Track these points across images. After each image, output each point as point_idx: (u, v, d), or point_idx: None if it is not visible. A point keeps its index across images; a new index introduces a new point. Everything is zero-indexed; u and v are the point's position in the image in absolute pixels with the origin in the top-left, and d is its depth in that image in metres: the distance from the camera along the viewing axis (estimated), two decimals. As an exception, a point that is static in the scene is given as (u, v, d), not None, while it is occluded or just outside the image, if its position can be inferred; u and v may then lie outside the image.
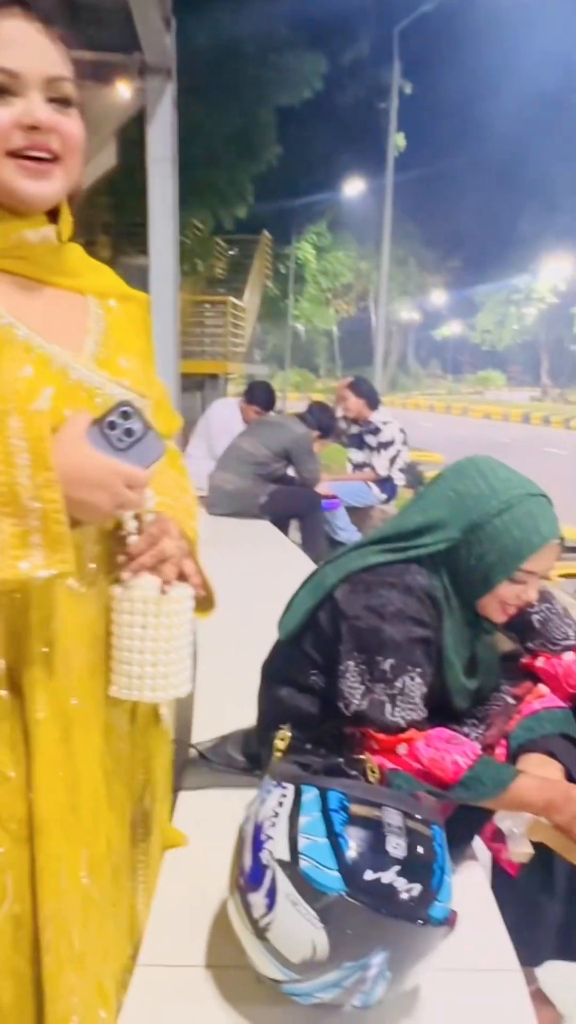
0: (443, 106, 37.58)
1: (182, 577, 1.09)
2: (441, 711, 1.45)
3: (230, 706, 1.81)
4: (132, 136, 6.11)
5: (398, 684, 1.35)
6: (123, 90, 5.72)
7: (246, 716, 1.70)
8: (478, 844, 1.48)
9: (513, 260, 42.63)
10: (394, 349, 41.41)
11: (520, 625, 1.61)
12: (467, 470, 1.45)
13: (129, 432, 0.96)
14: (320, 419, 5.13)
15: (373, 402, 5.32)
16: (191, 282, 13.15)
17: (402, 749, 1.35)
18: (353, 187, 23.60)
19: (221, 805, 1.54)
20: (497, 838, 1.43)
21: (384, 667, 1.35)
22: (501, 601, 1.41)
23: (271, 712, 1.63)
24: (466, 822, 1.38)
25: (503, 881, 1.47)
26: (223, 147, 11.97)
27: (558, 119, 36.59)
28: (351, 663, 1.39)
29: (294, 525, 5.03)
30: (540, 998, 1.59)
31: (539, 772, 1.40)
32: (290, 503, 4.83)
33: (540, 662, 1.63)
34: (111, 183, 7.82)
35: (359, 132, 20.07)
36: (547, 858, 1.43)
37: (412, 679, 1.36)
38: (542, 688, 1.59)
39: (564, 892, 1.52)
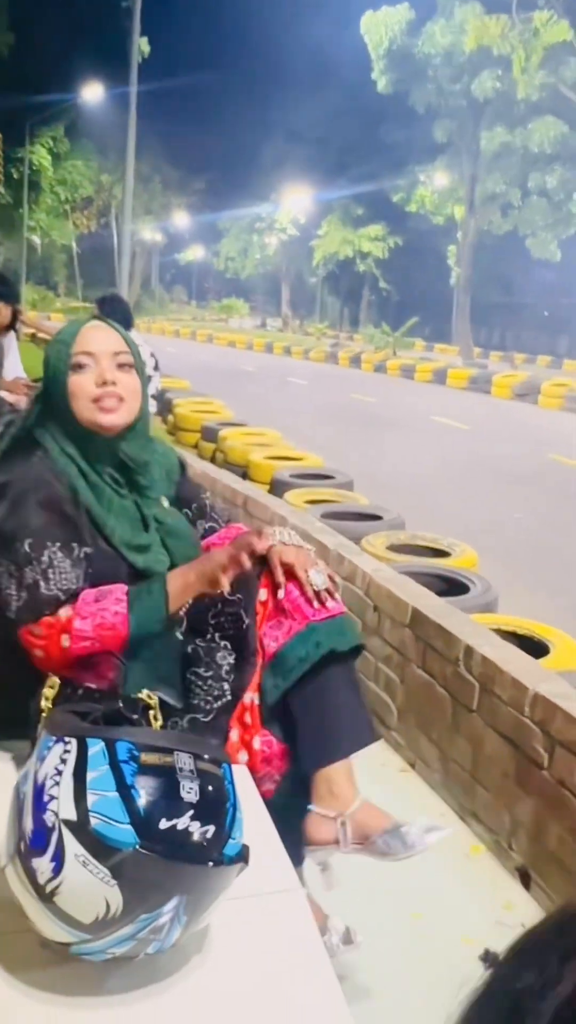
0: (191, 14, 36.14)
1: None
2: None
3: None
4: None
5: (44, 559, 1.36)
6: None
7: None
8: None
9: (256, 188, 42.75)
10: (137, 270, 40.16)
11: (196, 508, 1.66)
12: None
13: None
14: None
15: (125, 325, 5.10)
16: None
17: (66, 641, 1.34)
18: (92, 92, 22.15)
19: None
20: None
21: (25, 549, 1.36)
22: (82, 396, 1.43)
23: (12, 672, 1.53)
24: None
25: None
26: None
27: (308, 42, 36.59)
28: None
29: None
30: (308, 901, 1.69)
31: None
32: None
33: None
34: None
35: (99, 32, 18.80)
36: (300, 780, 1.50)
37: (55, 553, 1.37)
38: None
39: None
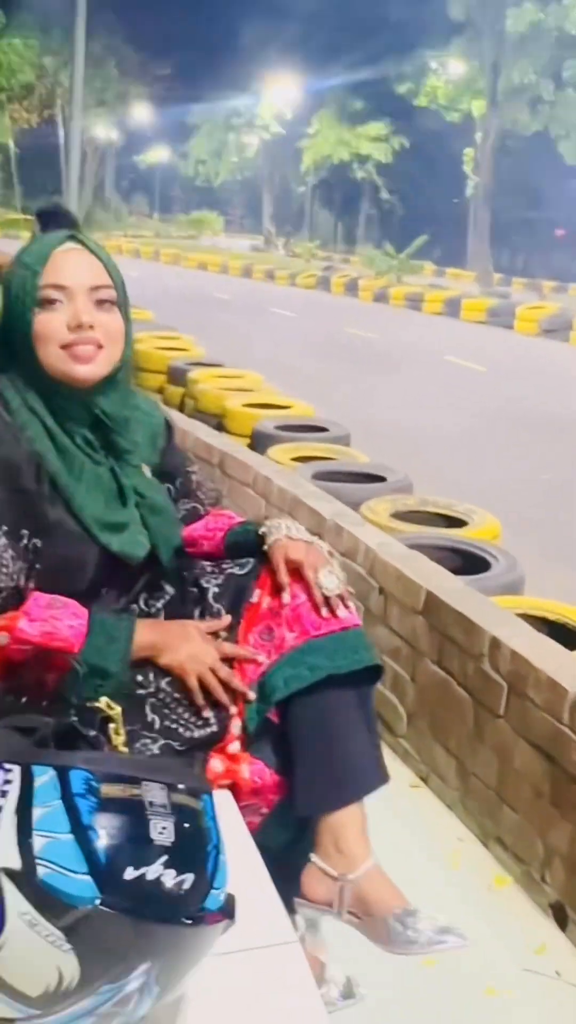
0: None
1: None
2: (112, 575, 1.45)
3: None
4: None
5: None
6: None
7: None
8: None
9: (233, 75, 42.03)
10: (89, 175, 39.53)
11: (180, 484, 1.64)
12: None
13: None
14: None
15: None
16: None
17: (2, 639, 1.31)
18: (33, -48, 21.56)
19: None
20: None
21: None
22: (51, 340, 1.36)
23: None
24: None
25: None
26: None
27: None
28: None
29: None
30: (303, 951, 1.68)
31: None
32: None
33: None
34: None
35: None
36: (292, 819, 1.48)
37: None
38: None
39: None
